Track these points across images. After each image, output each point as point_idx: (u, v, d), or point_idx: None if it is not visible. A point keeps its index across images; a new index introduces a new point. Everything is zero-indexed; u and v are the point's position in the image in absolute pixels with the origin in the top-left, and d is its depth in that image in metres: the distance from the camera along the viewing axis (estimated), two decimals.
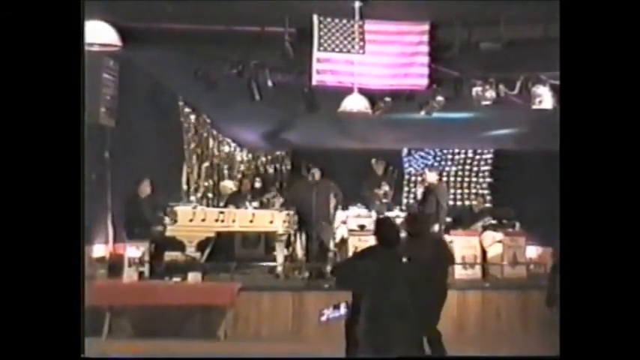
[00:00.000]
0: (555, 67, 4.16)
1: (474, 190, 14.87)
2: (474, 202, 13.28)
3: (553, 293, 6.14)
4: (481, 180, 15.00)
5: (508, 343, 8.10)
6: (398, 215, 10.39)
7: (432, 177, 10.83)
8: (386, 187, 10.89)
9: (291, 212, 10.20)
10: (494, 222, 11.26)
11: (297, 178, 11.86)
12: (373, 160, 11.27)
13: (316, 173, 10.24)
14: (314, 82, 8.32)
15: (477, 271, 10.17)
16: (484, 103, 8.75)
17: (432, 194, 10.53)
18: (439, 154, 15.18)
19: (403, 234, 7.36)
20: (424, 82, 8.38)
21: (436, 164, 14.85)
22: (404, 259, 5.33)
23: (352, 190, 11.08)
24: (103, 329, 8.14)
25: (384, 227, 5.57)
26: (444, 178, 15.01)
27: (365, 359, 4.95)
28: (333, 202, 10.06)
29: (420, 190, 10.54)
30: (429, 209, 10.39)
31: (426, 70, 8.31)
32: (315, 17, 8.01)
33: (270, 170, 15.20)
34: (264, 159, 15.19)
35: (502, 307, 9.21)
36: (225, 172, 13.61)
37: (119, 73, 8.47)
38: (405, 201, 14.03)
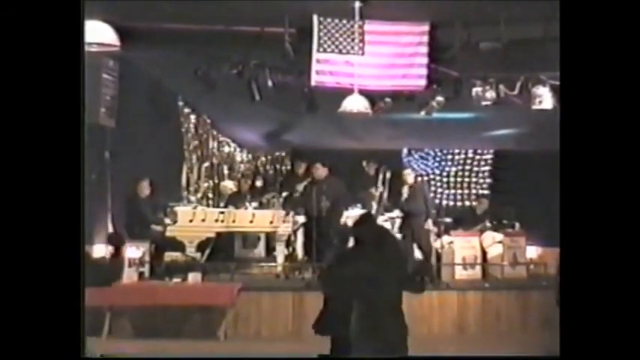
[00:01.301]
0: (555, 67, 4.16)
1: (474, 191, 14.88)
2: (475, 203, 13.28)
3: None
4: (481, 180, 15.01)
5: (508, 343, 8.10)
6: (398, 215, 10.45)
7: (411, 177, 10.84)
8: (381, 188, 10.90)
9: (291, 212, 10.21)
10: (493, 222, 11.28)
11: (297, 178, 11.86)
12: (364, 162, 11.26)
13: (317, 171, 10.22)
14: (313, 83, 8.33)
15: (477, 272, 10.19)
16: (484, 103, 8.75)
17: (418, 192, 10.56)
18: (439, 154, 15.19)
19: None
20: (422, 82, 8.38)
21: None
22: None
23: (352, 191, 11.08)
24: (103, 329, 8.15)
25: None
26: (444, 179, 15.08)
27: (363, 359, 4.95)
28: (326, 202, 10.02)
29: (405, 190, 10.53)
30: (417, 207, 10.41)
31: (424, 71, 8.31)
32: (315, 17, 8.01)
33: (270, 170, 15.21)
34: (264, 159, 15.20)
35: (502, 307, 9.22)
36: (225, 172, 13.62)
37: (119, 73, 8.47)
38: None
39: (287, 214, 10.17)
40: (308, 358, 6.86)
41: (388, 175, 10.77)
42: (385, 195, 10.95)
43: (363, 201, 10.80)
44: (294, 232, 10.55)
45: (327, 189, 10.01)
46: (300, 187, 10.73)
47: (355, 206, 10.68)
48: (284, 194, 10.90)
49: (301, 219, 10.40)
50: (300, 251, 10.70)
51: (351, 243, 7.19)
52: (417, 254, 10.24)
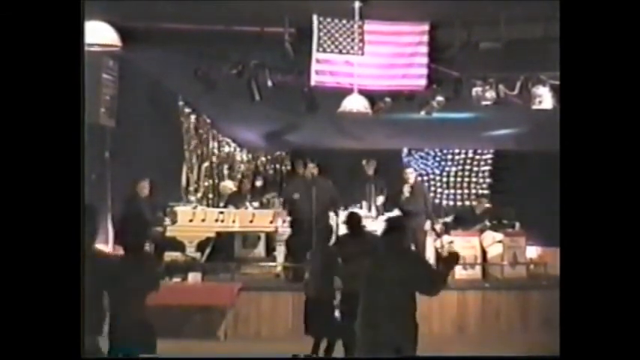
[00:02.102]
0: (555, 67, 4.16)
1: (474, 191, 14.88)
2: (475, 203, 13.27)
3: None
4: (481, 180, 15.00)
5: (508, 343, 8.10)
6: (397, 215, 10.43)
7: (412, 176, 10.87)
8: (373, 192, 10.90)
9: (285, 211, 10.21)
10: (493, 222, 11.28)
11: (295, 177, 11.87)
12: (364, 161, 11.26)
13: (314, 170, 10.22)
14: (312, 83, 8.33)
15: (477, 271, 10.20)
16: (484, 103, 8.74)
17: (419, 192, 10.57)
18: (439, 154, 15.18)
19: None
20: (422, 82, 8.38)
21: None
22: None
23: (352, 190, 11.07)
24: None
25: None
26: (444, 178, 15.08)
27: (363, 359, 4.95)
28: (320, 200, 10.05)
29: (406, 189, 10.54)
30: (418, 207, 10.42)
31: (424, 71, 8.31)
32: (315, 17, 8.01)
33: (270, 170, 15.21)
34: (264, 159, 15.19)
35: (502, 307, 9.23)
36: (225, 172, 13.62)
37: (119, 73, 8.47)
38: None
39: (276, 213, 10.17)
40: (309, 358, 6.89)
41: (379, 185, 10.80)
42: (379, 197, 10.92)
43: (359, 201, 10.81)
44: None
45: (318, 188, 10.00)
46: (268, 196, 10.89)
47: (354, 206, 10.68)
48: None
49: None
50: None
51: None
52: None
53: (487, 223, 11.19)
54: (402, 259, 4.94)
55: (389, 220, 5.73)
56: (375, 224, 9.39)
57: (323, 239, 7.30)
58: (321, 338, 6.84)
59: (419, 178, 12.38)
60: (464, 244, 10.35)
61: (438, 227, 10.92)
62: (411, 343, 4.74)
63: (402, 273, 4.76)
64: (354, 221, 7.23)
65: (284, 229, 10.12)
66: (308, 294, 6.97)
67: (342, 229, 10.18)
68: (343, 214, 10.38)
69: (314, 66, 8.18)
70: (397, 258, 4.90)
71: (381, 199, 10.84)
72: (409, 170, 11.19)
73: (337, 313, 6.69)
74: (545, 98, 8.47)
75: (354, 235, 7.02)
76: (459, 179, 15.11)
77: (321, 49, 8.09)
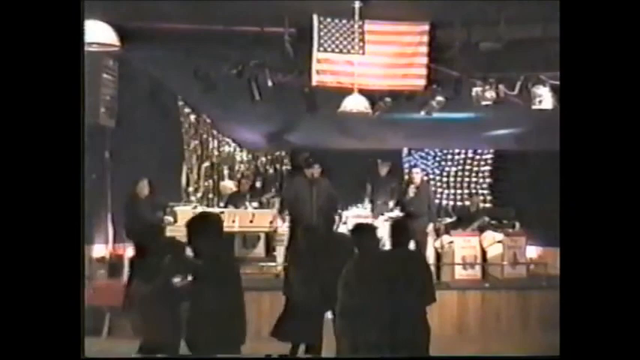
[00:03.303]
0: (555, 67, 4.16)
1: (474, 191, 14.88)
2: (468, 203, 13.27)
3: None
4: (481, 180, 15.00)
5: (508, 343, 8.10)
6: (399, 215, 10.45)
7: (419, 176, 10.86)
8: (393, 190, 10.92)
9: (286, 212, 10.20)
10: (493, 222, 11.28)
11: (295, 176, 11.89)
12: (379, 161, 11.27)
13: (317, 170, 10.20)
14: (313, 83, 8.32)
15: (477, 271, 10.19)
16: (484, 103, 8.73)
17: (423, 193, 10.57)
18: (439, 154, 15.18)
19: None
20: (422, 82, 8.38)
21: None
22: None
23: (352, 191, 11.07)
24: (102, 329, 8.15)
25: None
26: (444, 178, 15.09)
27: (362, 359, 4.95)
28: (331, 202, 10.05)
29: (412, 190, 10.53)
30: (422, 208, 10.42)
31: (424, 71, 8.31)
32: (315, 17, 8.01)
33: (270, 170, 15.22)
34: (264, 159, 15.21)
35: (502, 307, 9.23)
36: (225, 172, 13.63)
37: (119, 73, 8.47)
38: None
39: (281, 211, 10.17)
40: (308, 358, 6.88)
41: (391, 186, 10.80)
42: (392, 198, 10.92)
43: (370, 199, 10.82)
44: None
45: (318, 188, 10.00)
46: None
47: (356, 206, 10.69)
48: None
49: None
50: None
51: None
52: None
53: (486, 219, 11.18)
54: (382, 261, 4.98)
55: (359, 224, 5.81)
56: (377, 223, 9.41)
57: (309, 239, 7.21)
58: (301, 342, 6.84)
59: (424, 179, 12.39)
60: (464, 244, 10.35)
61: (439, 228, 10.93)
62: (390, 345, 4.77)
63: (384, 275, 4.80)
64: (328, 224, 7.26)
65: (284, 229, 10.13)
66: (294, 297, 6.87)
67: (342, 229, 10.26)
68: (346, 214, 10.43)
69: (315, 66, 8.17)
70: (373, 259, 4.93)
71: (393, 201, 10.86)
72: (415, 170, 11.17)
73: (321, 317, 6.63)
74: (545, 98, 8.46)
75: (329, 237, 7.03)
76: (459, 179, 15.11)
77: (321, 49, 8.08)
